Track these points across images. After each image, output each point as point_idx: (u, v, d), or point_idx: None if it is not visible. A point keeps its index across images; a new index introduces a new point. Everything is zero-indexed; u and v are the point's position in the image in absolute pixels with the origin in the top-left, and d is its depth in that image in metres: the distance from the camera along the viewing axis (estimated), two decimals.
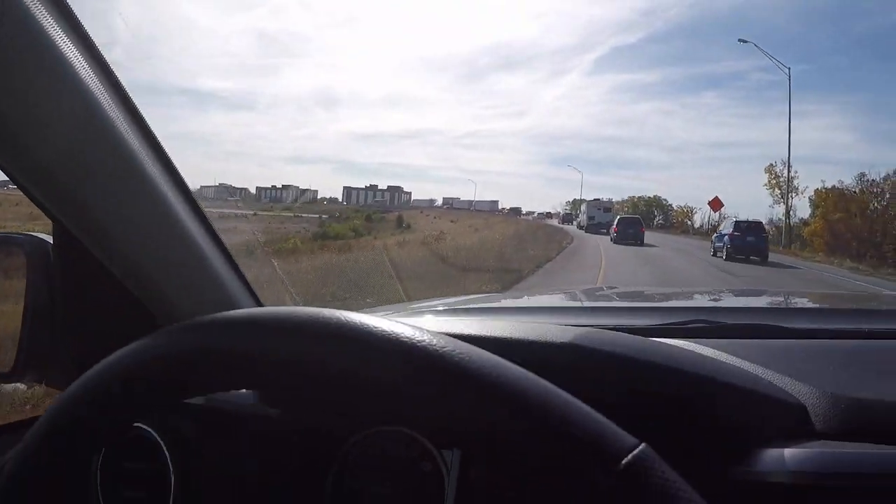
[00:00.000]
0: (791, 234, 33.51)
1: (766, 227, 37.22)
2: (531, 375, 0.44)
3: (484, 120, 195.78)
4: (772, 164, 39.71)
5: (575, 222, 51.83)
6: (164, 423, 0.79)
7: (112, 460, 0.78)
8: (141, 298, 0.79)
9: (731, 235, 20.70)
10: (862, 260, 24.16)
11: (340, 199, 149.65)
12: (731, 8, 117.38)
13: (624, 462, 0.40)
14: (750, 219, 24.10)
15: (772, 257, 21.43)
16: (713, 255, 21.48)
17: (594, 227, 38.80)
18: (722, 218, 29.21)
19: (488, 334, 0.71)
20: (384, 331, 0.46)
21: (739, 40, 34.08)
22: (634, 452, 0.41)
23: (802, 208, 39.01)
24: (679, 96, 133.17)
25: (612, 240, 27.44)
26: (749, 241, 20.29)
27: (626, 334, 0.77)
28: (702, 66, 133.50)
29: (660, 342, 0.81)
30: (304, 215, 55.81)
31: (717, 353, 0.84)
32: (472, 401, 0.43)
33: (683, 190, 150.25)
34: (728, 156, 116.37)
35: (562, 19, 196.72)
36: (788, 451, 0.64)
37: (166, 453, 0.77)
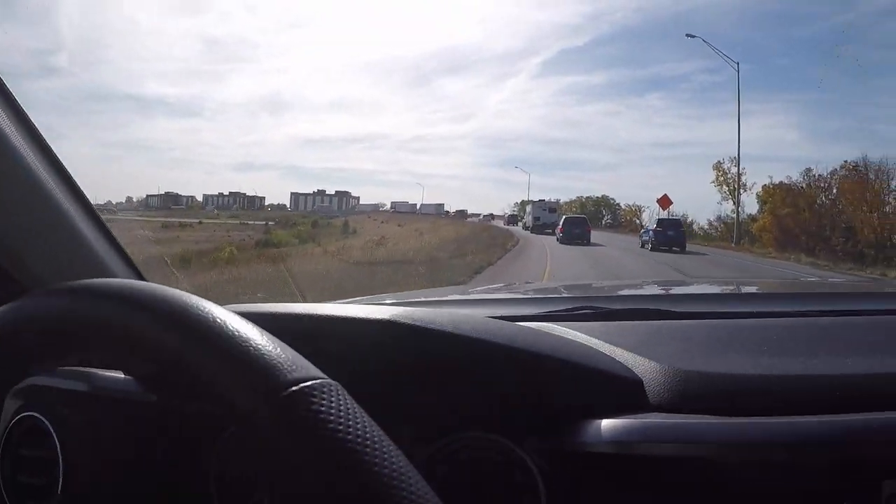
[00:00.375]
0: (741, 230, 33.08)
1: (715, 223, 38.18)
2: (227, 316, 0.45)
3: (431, 124, 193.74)
4: (719, 161, 39.47)
5: (520, 223, 51.94)
6: (54, 411, 0.81)
7: (10, 447, 0.81)
8: (11, 272, 0.81)
9: (654, 231, 24.04)
10: (812, 254, 24.27)
11: (288, 206, 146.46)
12: (675, 13, 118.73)
13: (289, 391, 0.40)
14: (671, 216, 29.21)
15: (722, 253, 23.84)
16: (641, 247, 24.27)
17: (539, 227, 39.25)
18: (671, 215, 29.33)
19: (314, 313, 0.76)
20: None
21: (687, 35, 33.38)
22: (308, 384, 0.40)
23: (750, 204, 38.91)
24: (625, 98, 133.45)
25: (558, 240, 27.69)
26: (669, 235, 23.41)
27: (463, 314, 0.82)
28: (647, 69, 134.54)
29: (506, 324, 0.84)
30: (250, 222, 56.47)
31: (578, 334, 0.87)
32: (191, 350, 0.44)
33: (632, 189, 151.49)
34: (675, 155, 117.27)
35: (508, 23, 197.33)
36: (607, 423, 0.67)
37: (56, 441, 0.79)
